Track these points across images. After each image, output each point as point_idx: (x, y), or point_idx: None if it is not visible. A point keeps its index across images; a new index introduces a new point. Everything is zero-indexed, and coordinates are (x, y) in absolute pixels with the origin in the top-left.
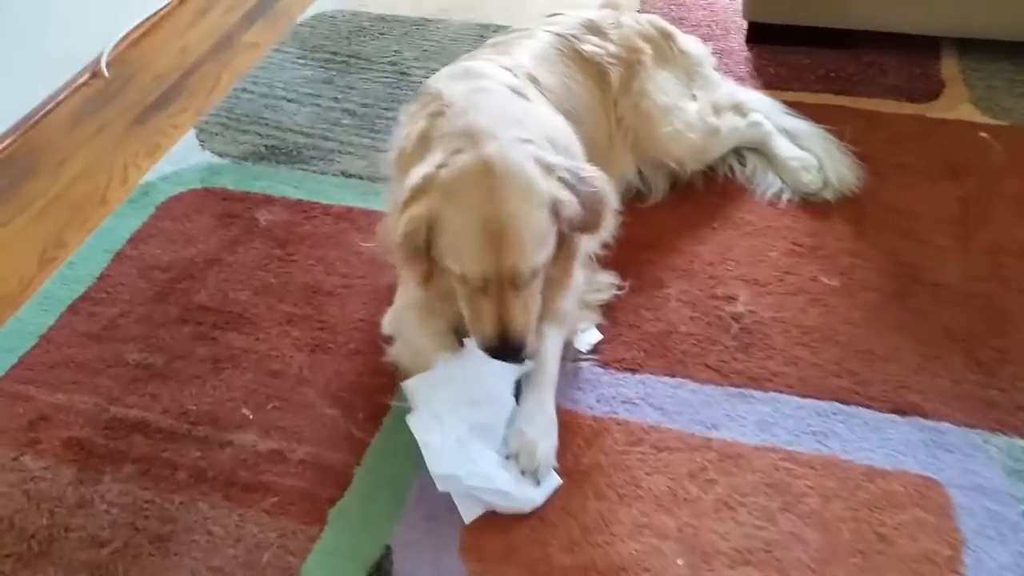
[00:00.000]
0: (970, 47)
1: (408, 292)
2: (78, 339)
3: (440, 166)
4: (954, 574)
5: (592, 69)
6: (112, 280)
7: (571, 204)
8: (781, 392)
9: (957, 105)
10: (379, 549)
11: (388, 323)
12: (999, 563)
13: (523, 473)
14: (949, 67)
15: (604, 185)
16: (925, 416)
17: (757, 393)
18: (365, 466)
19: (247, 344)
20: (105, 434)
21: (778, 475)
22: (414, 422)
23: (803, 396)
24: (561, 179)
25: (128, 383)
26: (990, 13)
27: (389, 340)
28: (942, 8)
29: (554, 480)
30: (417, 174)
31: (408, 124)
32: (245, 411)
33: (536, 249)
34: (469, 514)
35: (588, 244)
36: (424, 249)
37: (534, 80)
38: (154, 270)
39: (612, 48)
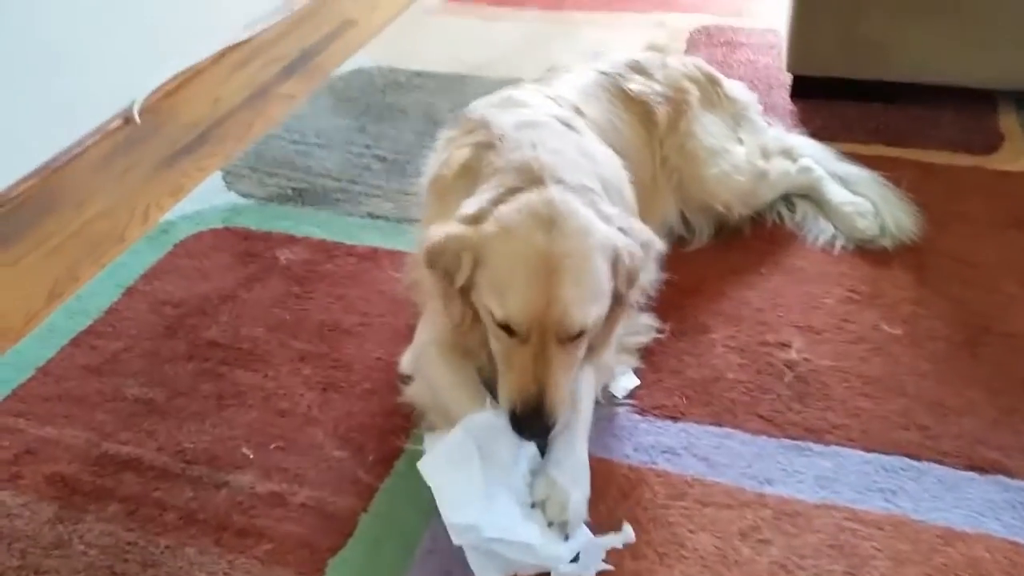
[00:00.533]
0: None
1: (431, 328)
2: (77, 372)
3: (496, 201)
4: None
5: (637, 108)
6: (120, 315)
7: (633, 255)
8: (843, 445)
9: (1018, 158)
10: None
11: (407, 361)
12: None
13: (550, 525)
14: (1008, 121)
15: (653, 237)
16: (1009, 474)
17: (816, 446)
18: (372, 513)
19: (255, 381)
20: (93, 471)
21: (842, 536)
22: (426, 467)
23: (867, 450)
24: (621, 229)
25: (124, 418)
26: None
27: (407, 379)
28: (996, 61)
29: (584, 536)
30: (471, 205)
31: (446, 149)
32: (246, 450)
33: (590, 300)
34: (485, 574)
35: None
36: (456, 281)
37: (579, 112)
38: (165, 305)
39: (658, 88)
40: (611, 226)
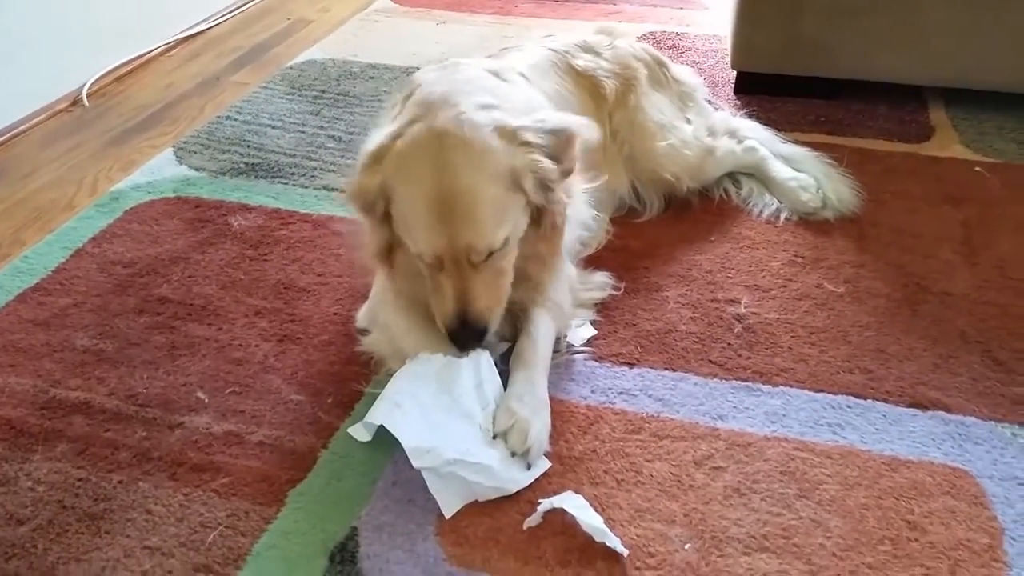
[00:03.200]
0: (956, 97)
1: (383, 284)
2: (23, 325)
3: (396, 136)
4: (997, 563)
5: (586, 82)
6: (68, 273)
7: (538, 168)
8: (791, 387)
9: (949, 146)
10: (344, 531)
11: (363, 316)
12: None
13: (513, 455)
14: (937, 115)
15: (574, 121)
16: (948, 410)
17: (765, 387)
18: (332, 450)
19: (208, 333)
20: (41, 414)
21: (792, 463)
22: (378, 411)
23: (815, 391)
24: (526, 142)
25: (73, 367)
26: (974, 65)
27: (364, 332)
28: (927, 59)
29: (543, 465)
30: (373, 141)
31: (387, 113)
32: (200, 395)
33: (493, 224)
34: (449, 506)
35: (582, 208)
36: (384, 221)
37: (525, 78)
38: (115, 265)
39: (606, 64)
40: (514, 143)
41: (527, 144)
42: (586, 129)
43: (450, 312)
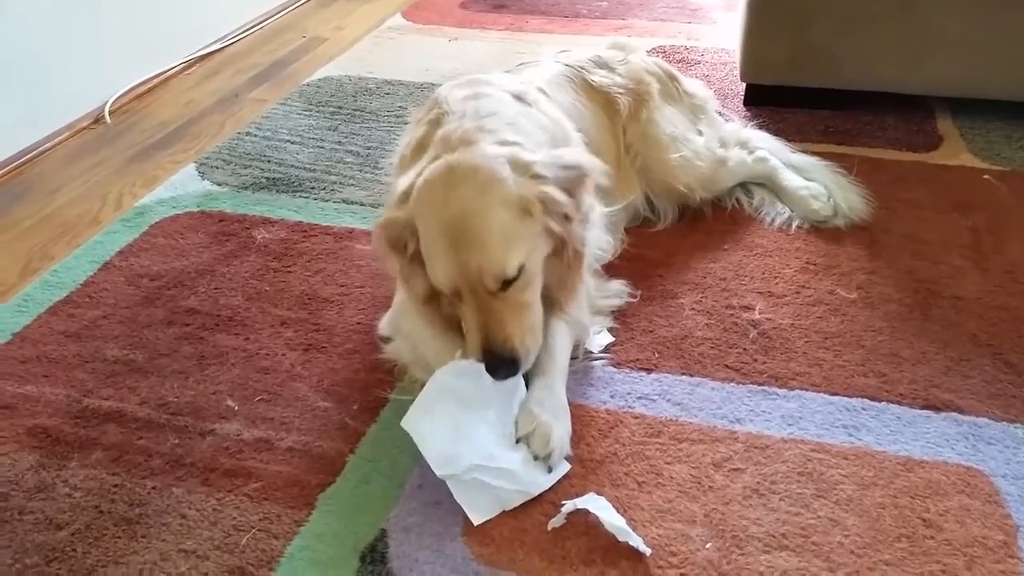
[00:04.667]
0: (963, 107)
1: (403, 296)
2: (55, 337)
3: (420, 174)
4: (1013, 559)
5: (600, 98)
6: (97, 287)
7: (548, 199)
8: (806, 390)
9: (957, 154)
10: (374, 532)
11: (385, 324)
12: None
13: (535, 459)
14: (945, 125)
15: (587, 160)
16: (961, 412)
17: (781, 391)
18: (359, 455)
19: (236, 344)
20: (75, 423)
21: (810, 465)
22: (407, 420)
23: (830, 394)
24: (536, 175)
25: (105, 377)
26: (980, 75)
27: (386, 340)
28: (934, 70)
29: (564, 467)
30: (404, 182)
31: (412, 130)
32: (230, 403)
33: (502, 250)
34: (478, 513)
35: (598, 233)
36: (416, 262)
37: (545, 93)
38: (143, 278)
39: (620, 80)
40: (525, 174)
41: (537, 176)
42: (599, 173)
43: (476, 343)
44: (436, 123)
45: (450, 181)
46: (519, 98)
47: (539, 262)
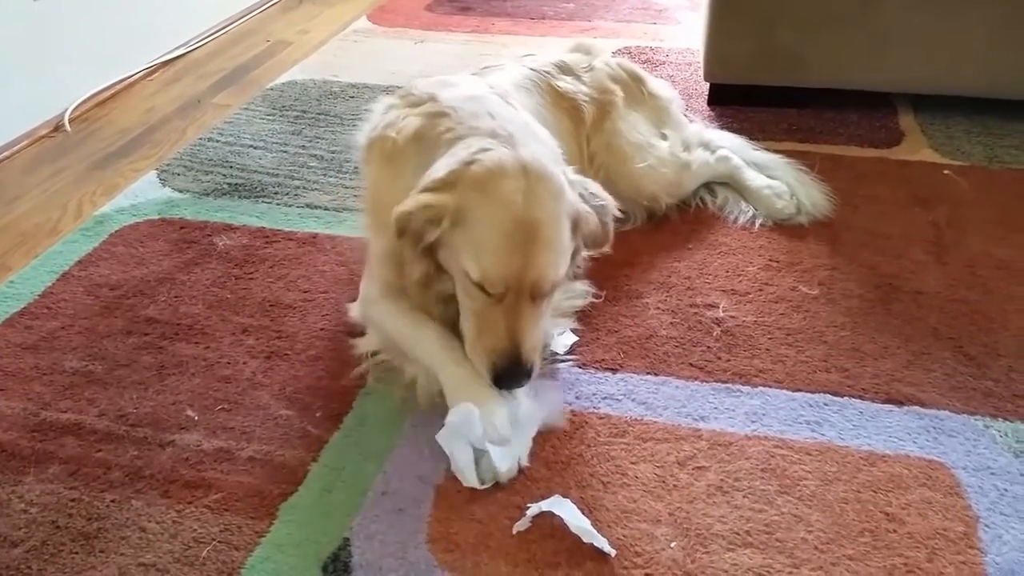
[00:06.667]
0: (924, 104)
1: (375, 276)
2: (11, 350)
3: (468, 163)
4: (972, 549)
5: (566, 104)
6: (55, 297)
7: (591, 218)
8: (769, 387)
9: (918, 150)
10: (337, 541)
11: (356, 310)
12: (1020, 538)
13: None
14: (907, 121)
15: (610, 200)
16: (922, 405)
17: (744, 388)
18: (322, 463)
19: (196, 352)
20: (32, 437)
21: (773, 461)
22: (441, 437)
23: (792, 390)
24: (580, 194)
25: (63, 389)
26: (941, 71)
27: (358, 332)
28: (896, 67)
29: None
30: (442, 166)
31: (387, 115)
32: (190, 413)
33: (562, 260)
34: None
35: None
36: (424, 243)
37: (510, 99)
38: (102, 288)
39: (584, 88)
40: (575, 187)
41: (582, 197)
42: (615, 209)
43: (502, 349)
44: (438, 115)
45: (526, 180)
46: (506, 100)
47: None
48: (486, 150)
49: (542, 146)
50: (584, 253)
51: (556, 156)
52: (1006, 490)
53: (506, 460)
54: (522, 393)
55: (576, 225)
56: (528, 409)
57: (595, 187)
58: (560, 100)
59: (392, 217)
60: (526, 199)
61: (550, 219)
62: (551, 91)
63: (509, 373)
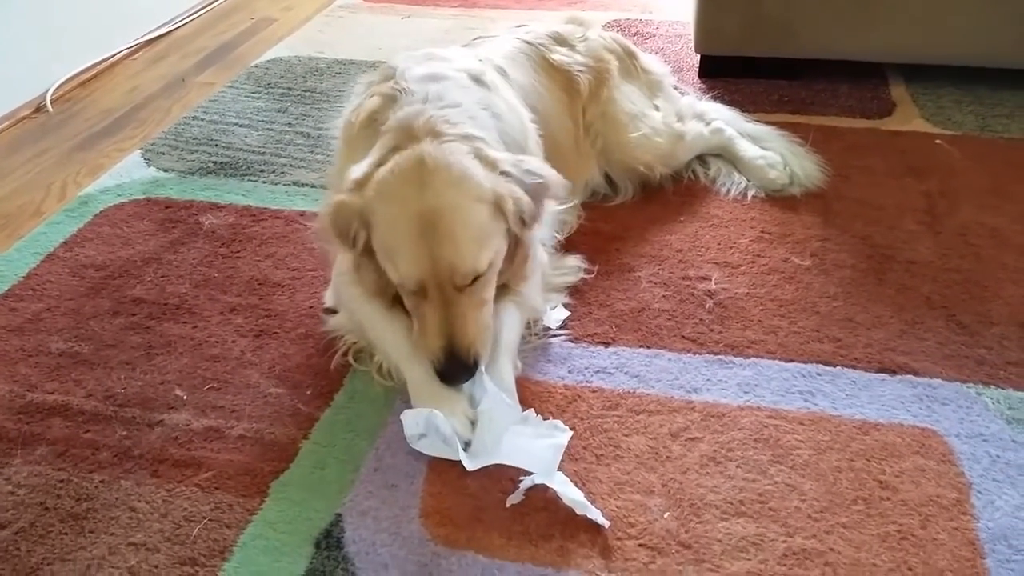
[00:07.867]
0: (915, 73)
1: (343, 265)
2: None
3: (378, 163)
4: (965, 516)
5: (560, 77)
6: (40, 279)
7: (518, 199)
8: (762, 358)
9: (910, 120)
10: (329, 518)
11: (329, 295)
12: (1012, 504)
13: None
14: (898, 91)
15: (550, 174)
16: (915, 374)
17: (737, 359)
18: (313, 440)
19: (184, 332)
20: (18, 419)
21: (766, 431)
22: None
23: (785, 361)
24: (505, 173)
25: (49, 371)
26: (931, 40)
27: (331, 312)
28: (886, 36)
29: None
30: (358, 169)
31: (363, 94)
32: (179, 392)
33: (476, 246)
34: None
35: (545, 232)
36: (367, 255)
37: (503, 72)
38: (87, 269)
39: (579, 58)
40: (494, 171)
41: (506, 174)
42: (560, 187)
43: (437, 347)
44: (392, 99)
45: (421, 174)
46: (478, 80)
47: (501, 259)
48: (396, 149)
49: (485, 132)
50: (531, 235)
51: (514, 134)
52: (998, 456)
53: (473, 461)
54: (487, 387)
55: (498, 206)
56: (494, 403)
57: (534, 164)
58: (554, 73)
59: (321, 218)
60: (422, 193)
61: (450, 208)
62: (545, 64)
63: (450, 369)
